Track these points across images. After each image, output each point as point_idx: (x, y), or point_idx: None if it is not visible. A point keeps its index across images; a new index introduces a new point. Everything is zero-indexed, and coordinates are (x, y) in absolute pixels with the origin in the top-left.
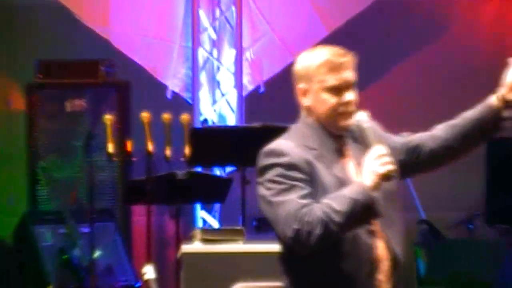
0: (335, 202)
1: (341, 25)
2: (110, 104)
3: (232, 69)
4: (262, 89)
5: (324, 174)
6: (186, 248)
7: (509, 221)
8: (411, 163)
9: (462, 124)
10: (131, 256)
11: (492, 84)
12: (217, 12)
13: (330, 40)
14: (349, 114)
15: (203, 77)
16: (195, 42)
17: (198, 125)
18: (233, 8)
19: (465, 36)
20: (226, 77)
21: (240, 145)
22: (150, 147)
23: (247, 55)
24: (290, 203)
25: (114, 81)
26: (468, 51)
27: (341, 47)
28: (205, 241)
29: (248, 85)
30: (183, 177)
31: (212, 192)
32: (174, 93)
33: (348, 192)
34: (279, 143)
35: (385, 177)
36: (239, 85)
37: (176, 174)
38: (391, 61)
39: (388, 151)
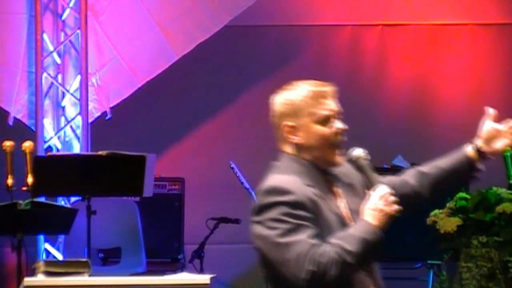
0: (346, 243)
1: (191, 50)
2: None
3: (78, 95)
4: (109, 116)
5: (327, 212)
6: (28, 281)
7: None
8: None
9: (434, 173)
10: None
11: (343, 108)
12: (62, 36)
13: (179, 65)
14: (340, 145)
15: (47, 103)
16: (39, 67)
17: (41, 152)
18: (79, 32)
19: (316, 61)
20: (71, 103)
21: (86, 173)
22: None
23: (93, 80)
24: (300, 244)
25: None
26: (319, 77)
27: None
28: (49, 273)
29: (94, 111)
30: (25, 207)
31: (56, 223)
32: (16, 119)
33: (358, 231)
34: (280, 180)
35: (391, 216)
36: (84, 111)
37: (18, 204)
38: (241, 87)
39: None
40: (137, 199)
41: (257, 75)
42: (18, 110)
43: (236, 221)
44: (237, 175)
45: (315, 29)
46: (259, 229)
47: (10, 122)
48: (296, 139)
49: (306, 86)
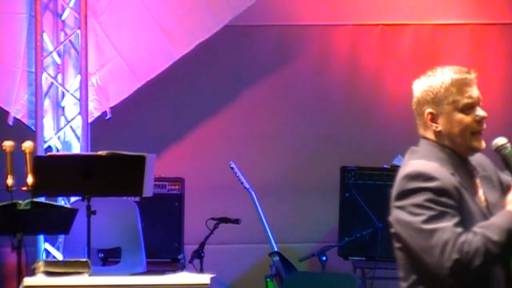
0: (490, 232)
1: (191, 50)
2: None
3: (78, 94)
4: (109, 116)
5: (469, 201)
6: (28, 281)
7: (361, 253)
8: None
9: None
10: None
11: (343, 108)
12: (62, 36)
13: (179, 65)
14: (481, 132)
15: (47, 103)
16: (39, 67)
17: (41, 152)
18: (79, 32)
19: (316, 61)
20: (71, 103)
21: (86, 173)
22: None
23: (93, 80)
24: (445, 231)
25: None
26: (319, 77)
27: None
28: (49, 273)
29: (94, 111)
30: (25, 207)
31: (56, 223)
32: (16, 119)
33: (503, 222)
34: (424, 165)
35: None
36: (84, 111)
37: (18, 204)
38: (241, 87)
39: None
40: (137, 199)
41: (257, 75)
42: (18, 110)
43: (236, 221)
44: (237, 175)
45: (315, 29)
46: (401, 215)
47: (10, 122)
48: (437, 126)
49: (449, 74)
